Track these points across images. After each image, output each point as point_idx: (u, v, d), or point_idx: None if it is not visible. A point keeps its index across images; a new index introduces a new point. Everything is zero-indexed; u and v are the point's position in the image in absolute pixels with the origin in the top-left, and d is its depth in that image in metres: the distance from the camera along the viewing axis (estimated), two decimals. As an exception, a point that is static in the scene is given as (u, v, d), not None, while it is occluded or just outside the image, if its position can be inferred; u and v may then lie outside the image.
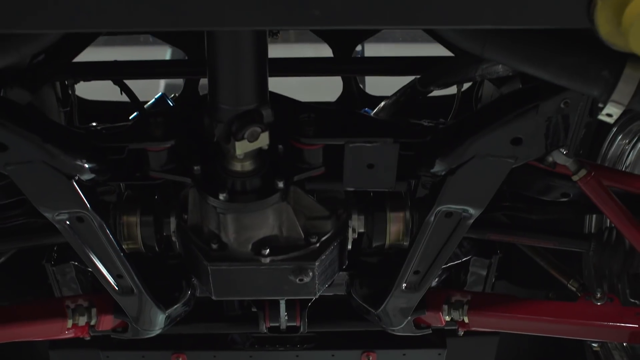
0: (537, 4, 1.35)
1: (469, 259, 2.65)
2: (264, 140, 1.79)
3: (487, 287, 2.74)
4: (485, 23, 1.40)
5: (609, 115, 1.56)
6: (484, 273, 2.70)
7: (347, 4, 1.34)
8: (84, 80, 2.48)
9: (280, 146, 1.96)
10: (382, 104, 2.25)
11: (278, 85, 2.16)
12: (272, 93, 1.84)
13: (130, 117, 2.72)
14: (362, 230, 2.24)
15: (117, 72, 2.47)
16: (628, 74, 1.49)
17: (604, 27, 1.34)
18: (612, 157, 2.49)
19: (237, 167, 1.90)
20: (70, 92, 2.54)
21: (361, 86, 3.14)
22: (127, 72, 2.50)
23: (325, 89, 3.28)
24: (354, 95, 3.07)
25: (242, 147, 1.78)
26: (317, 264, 2.09)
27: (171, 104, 2.83)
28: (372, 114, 2.27)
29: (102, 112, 3.00)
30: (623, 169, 2.48)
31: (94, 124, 2.60)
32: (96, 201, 2.03)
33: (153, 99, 2.85)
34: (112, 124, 2.61)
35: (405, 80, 2.32)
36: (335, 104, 3.08)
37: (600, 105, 1.56)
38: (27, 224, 2.36)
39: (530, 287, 2.95)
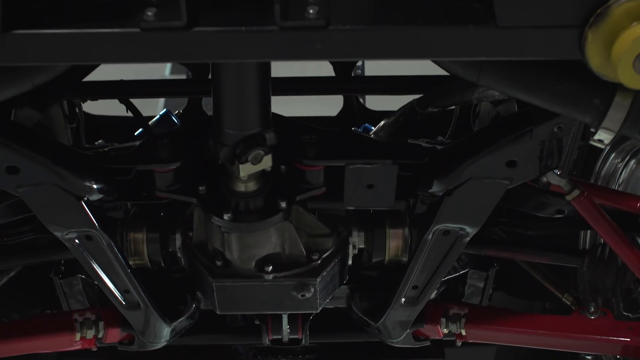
0: (531, 37, 1.39)
1: (467, 271, 2.70)
2: (267, 162, 1.83)
3: (484, 299, 2.78)
4: (480, 55, 1.45)
5: (600, 140, 1.60)
6: (482, 285, 2.74)
7: (347, 38, 1.39)
8: (92, 100, 2.52)
9: (282, 166, 2.00)
10: (382, 123, 2.29)
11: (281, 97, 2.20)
12: (274, 114, 1.88)
13: (135, 134, 2.77)
14: (362, 246, 2.28)
15: (123, 91, 2.52)
16: (618, 102, 1.54)
17: (595, 59, 1.39)
18: (606, 175, 2.53)
19: (241, 187, 1.94)
20: (77, 110, 2.59)
21: (361, 101, 3.18)
22: (133, 91, 2.54)
23: (326, 101, 3.31)
24: (354, 110, 3.11)
25: (245, 170, 1.82)
26: (318, 280, 2.13)
27: (176, 121, 2.87)
28: (372, 132, 2.32)
29: (108, 127, 3.05)
30: (616, 187, 2.53)
31: (101, 141, 2.66)
32: (104, 220, 2.07)
33: (158, 116, 2.89)
34: (118, 138, 2.66)
35: (404, 98, 2.37)
36: (336, 120, 3.13)
37: (592, 130, 1.61)
38: (36, 239, 2.41)
39: (528, 297, 2.99)
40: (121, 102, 2.57)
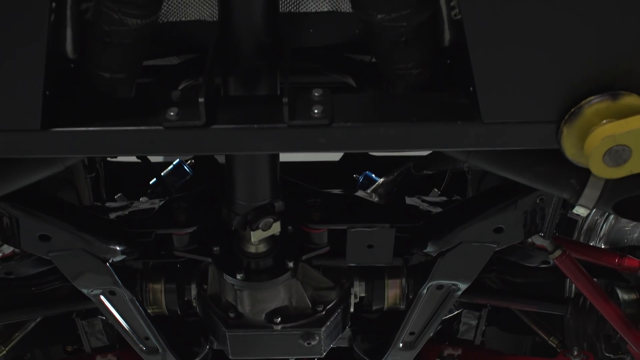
0: (513, 131, 1.50)
1: (461, 311, 2.82)
2: (276, 228, 1.96)
3: (477, 335, 2.90)
4: (468, 147, 1.56)
5: (578, 214, 1.72)
6: (475, 323, 2.86)
7: (348, 134, 1.50)
8: (111, 158, 2.64)
9: (289, 227, 2.12)
10: (381, 180, 2.42)
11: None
12: (281, 176, 1.99)
13: (150, 183, 2.90)
14: (363, 294, 2.40)
15: None
16: (593, 181, 1.65)
17: (570, 150, 1.49)
18: (588, 229, 2.64)
19: (252, 249, 2.06)
20: (97, 166, 2.71)
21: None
22: None
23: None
24: (356, 155, 3.22)
25: (257, 236, 1.95)
26: (323, 329, 2.25)
27: (188, 170, 3.00)
28: (371, 189, 2.44)
29: (124, 174, 3.17)
30: (598, 240, 2.64)
31: (120, 194, 2.77)
32: (126, 276, 2.20)
33: (171, 166, 3.01)
34: (134, 185, 2.78)
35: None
36: (338, 164, 3.24)
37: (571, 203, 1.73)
38: (61, 288, 2.53)
39: (519, 332, 3.10)
40: (138, 158, 2.70)
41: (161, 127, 1.47)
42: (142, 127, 1.49)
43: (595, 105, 1.43)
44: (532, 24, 1.38)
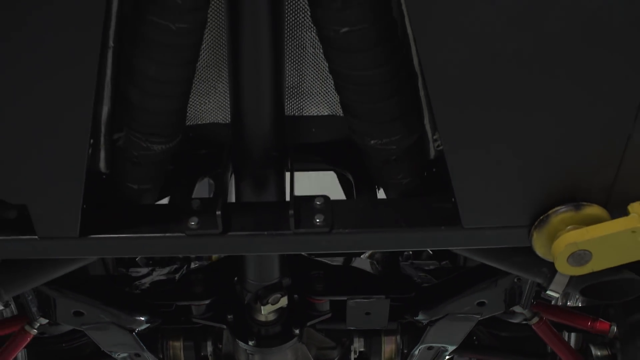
0: (490, 234, 1.65)
1: (452, 357, 2.99)
2: (283, 302, 2.13)
3: (468, 376, 3.07)
4: (450, 247, 1.74)
5: (551, 295, 1.90)
6: (466, 366, 3.03)
7: (347, 238, 1.65)
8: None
9: (295, 296, 2.29)
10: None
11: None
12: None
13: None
14: (362, 349, 2.58)
15: None
16: (562, 270, 1.82)
17: (540, 249, 1.64)
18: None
19: (262, 318, 2.22)
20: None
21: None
22: None
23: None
24: None
25: (266, 309, 2.12)
26: None
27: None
28: (367, 255, 2.60)
29: None
30: (576, 299, 2.80)
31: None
32: (149, 336, 2.37)
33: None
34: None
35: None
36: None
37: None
38: (88, 343, 2.70)
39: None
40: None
41: (183, 235, 1.63)
42: (166, 235, 1.64)
43: (560, 214, 1.58)
44: (504, 151, 1.53)
